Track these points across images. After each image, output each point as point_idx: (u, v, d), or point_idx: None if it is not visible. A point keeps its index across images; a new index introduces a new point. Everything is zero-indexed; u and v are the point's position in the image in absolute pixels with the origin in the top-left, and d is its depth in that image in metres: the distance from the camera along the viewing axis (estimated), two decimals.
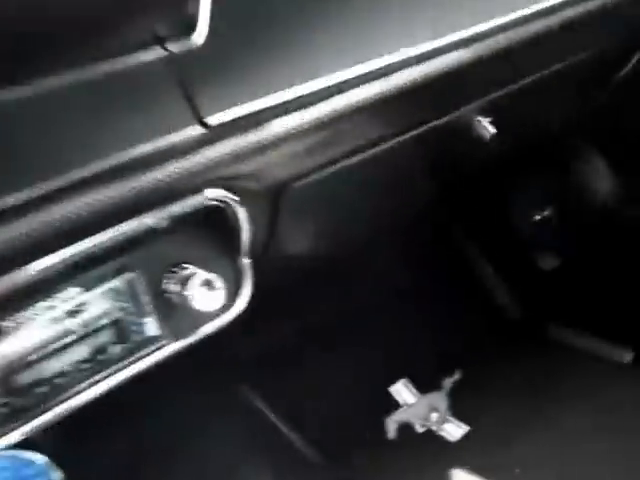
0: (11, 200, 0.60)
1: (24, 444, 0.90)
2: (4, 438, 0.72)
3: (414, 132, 0.94)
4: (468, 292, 1.80)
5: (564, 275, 1.72)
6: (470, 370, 1.59)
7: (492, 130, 1.01)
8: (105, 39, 0.66)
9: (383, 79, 0.80)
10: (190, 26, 0.71)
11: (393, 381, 1.60)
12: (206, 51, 0.71)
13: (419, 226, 1.72)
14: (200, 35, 0.72)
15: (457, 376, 1.59)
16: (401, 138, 0.92)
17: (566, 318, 1.68)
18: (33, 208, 0.62)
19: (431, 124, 0.95)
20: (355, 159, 0.88)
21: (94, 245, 0.70)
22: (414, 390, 1.60)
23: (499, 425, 1.44)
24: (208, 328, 0.82)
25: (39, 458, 0.92)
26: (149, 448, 1.37)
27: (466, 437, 1.45)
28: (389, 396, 1.59)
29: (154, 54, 0.69)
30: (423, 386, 1.58)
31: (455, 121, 0.98)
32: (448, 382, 1.58)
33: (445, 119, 0.96)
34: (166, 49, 0.70)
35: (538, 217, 1.70)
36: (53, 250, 0.68)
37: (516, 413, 1.45)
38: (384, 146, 0.90)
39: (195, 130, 0.70)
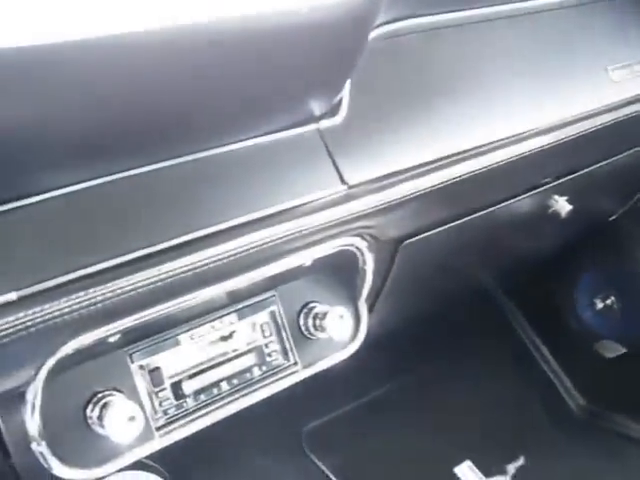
0: (194, 235, 0.77)
1: (143, 466, 1.03)
2: (170, 436, 0.86)
3: (502, 204, 1.11)
4: (531, 378, 1.84)
5: (628, 364, 1.73)
6: (533, 456, 1.62)
7: (568, 207, 1.18)
8: (275, 119, 0.86)
9: (484, 155, 0.99)
10: (335, 108, 0.91)
11: (458, 462, 1.62)
12: (347, 127, 0.90)
13: (486, 307, 1.82)
14: (342, 115, 0.91)
15: (521, 461, 1.63)
16: (491, 209, 1.09)
17: (630, 408, 1.70)
18: (210, 243, 0.78)
19: (517, 198, 1.12)
20: (456, 223, 1.06)
21: (252, 280, 0.86)
22: (479, 473, 1.63)
23: None
24: (333, 359, 0.97)
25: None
26: None
27: None
28: (454, 476, 1.61)
29: (308, 129, 0.89)
30: (487, 469, 1.61)
31: (535, 197, 1.16)
32: (512, 467, 1.62)
33: (527, 195, 1.14)
34: (317, 126, 0.90)
35: (601, 304, 1.72)
36: (220, 281, 0.84)
37: None
38: (478, 214, 1.08)
39: (338, 188, 0.88)
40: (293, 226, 0.83)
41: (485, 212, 1.07)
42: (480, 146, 0.97)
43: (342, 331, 0.94)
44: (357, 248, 0.92)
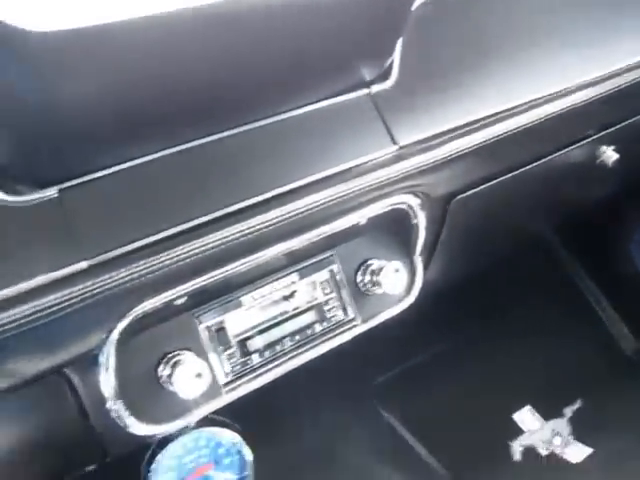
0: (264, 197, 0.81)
1: (219, 422, 1.08)
2: (237, 392, 0.91)
3: (550, 157, 1.12)
4: (587, 324, 1.86)
5: None
6: (590, 399, 1.65)
7: (615, 156, 1.17)
8: (327, 85, 0.88)
9: (531, 110, 0.99)
10: (386, 72, 0.93)
11: (518, 408, 1.67)
12: (397, 90, 0.92)
13: (539, 258, 1.84)
14: (393, 79, 0.93)
15: (578, 404, 1.66)
16: (540, 162, 1.10)
17: None
18: (269, 206, 0.82)
19: (563, 151, 1.13)
20: (506, 177, 1.07)
21: (310, 240, 0.89)
22: (538, 416, 1.67)
23: (620, 448, 1.50)
24: (389, 313, 1.01)
25: (233, 435, 1.07)
26: (307, 447, 1.53)
27: (589, 458, 1.52)
28: (513, 422, 1.65)
29: (360, 94, 0.91)
30: (545, 413, 1.65)
31: (582, 149, 1.16)
32: (569, 410, 1.65)
33: (574, 147, 1.14)
34: (369, 90, 0.91)
35: None
36: (280, 242, 0.87)
37: (635, 437, 1.50)
38: (527, 168, 1.09)
39: (390, 149, 0.90)
40: (348, 187, 0.86)
41: (535, 165, 1.08)
42: (529, 102, 0.97)
43: (397, 285, 0.97)
44: (409, 206, 0.94)
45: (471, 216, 1.06)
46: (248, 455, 1.06)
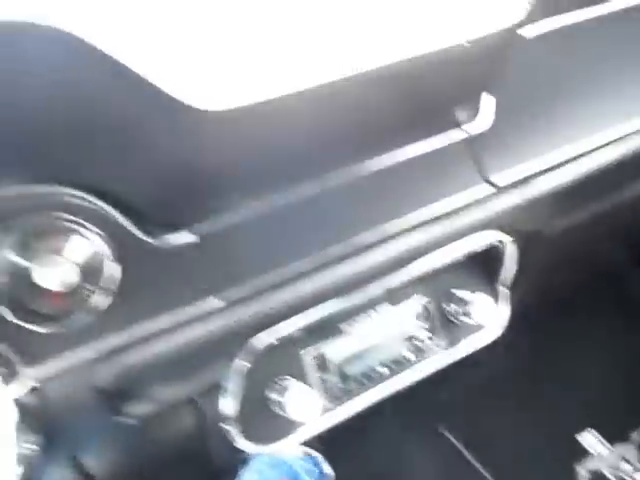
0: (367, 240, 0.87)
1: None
2: (336, 415, 0.97)
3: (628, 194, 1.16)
4: None
5: None
6: None
7: None
8: (427, 127, 0.93)
9: (613, 148, 1.03)
10: (476, 112, 0.97)
11: (581, 429, 1.66)
12: (491, 129, 0.97)
13: (615, 285, 1.85)
14: (488, 120, 0.97)
15: None
16: (629, 196, 1.13)
17: None
18: (378, 244, 0.87)
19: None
20: (589, 213, 1.11)
21: (408, 275, 0.95)
22: (603, 440, 1.65)
23: None
24: (477, 343, 1.05)
25: (314, 453, 1.12)
26: (373, 470, 1.57)
27: None
28: (577, 443, 1.65)
29: (456, 135, 0.96)
30: (611, 437, 1.64)
31: None
32: (637, 435, 1.64)
33: None
34: (464, 130, 0.96)
35: None
36: (380, 278, 0.93)
37: None
38: (615, 202, 1.12)
39: (484, 189, 0.95)
40: (444, 227, 0.91)
41: (622, 200, 1.11)
42: (619, 138, 1.02)
43: (486, 316, 1.02)
44: (499, 241, 0.99)
45: (556, 248, 1.10)
46: (329, 472, 1.11)
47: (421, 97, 0.83)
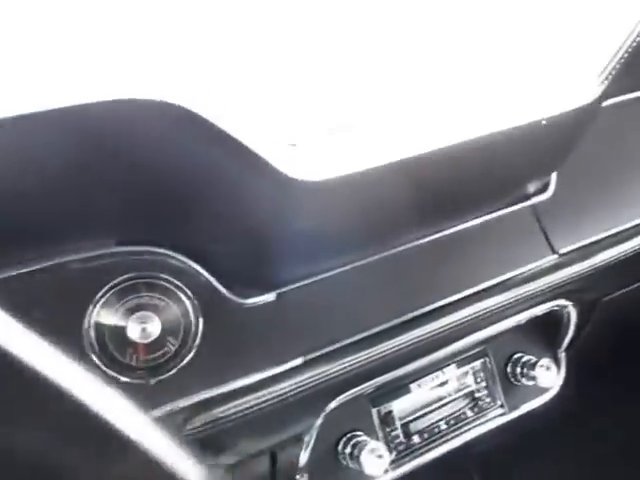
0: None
1: None
2: (400, 469, 1.01)
3: None
4: None
5: None
6: None
7: None
8: (496, 202, 0.98)
9: None
10: (546, 184, 1.02)
11: None
12: (556, 200, 1.01)
13: None
14: (551, 189, 1.02)
15: None
16: None
17: None
18: (446, 312, 0.92)
19: None
20: None
21: (474, 338, 1.00)
22: None
23: None
24: (535, 403, 1.09)
25: None
26: None
27: None
28: None
29: (522, 206, 1.01)
30: None
31: None
32: None
33: None
34: (530, 202, 1.01)
35: None
36: (446, 346, 0.98)
37: None
38: None
39: (550, 257, 0.99)
40: (510, 295, 0.95)
41: None
42: None
43: (547, 379, 1.06)
44: (561, 306, 1.03)
45: (617, 313, 1.13)
46: None
47: (498, 171, 0.88)
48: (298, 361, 0.82)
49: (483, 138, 0.79)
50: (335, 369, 0.83)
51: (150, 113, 0.62)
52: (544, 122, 0.80)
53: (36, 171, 0.62)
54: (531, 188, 0.98)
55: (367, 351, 0.84)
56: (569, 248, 1.00)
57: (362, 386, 0.89)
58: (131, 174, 0.68)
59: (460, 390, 1.05)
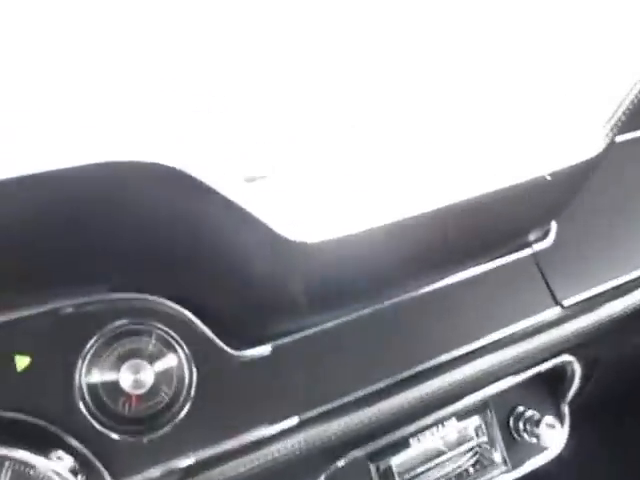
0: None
1: None
2: None
3: None
4: None
5: None
6: None
7: None
8: (495, 251, 0.96)
9: None
10: (546, 231, 1.01)
11: None
12: (557, 247, 0.99)
13: None
14: (552, 236, 1.00)
15: None
16: None
17: None
18: (444, 370, 0.89)
19: None
20: None
21: (470, 400, 0.97)
22: None
23: None
24: (539, 461, 1.06)
25: None
26: None
27: None
28: None
29: (522, 254, 0.99)
30: None
31: None
32: None
33: None
34: (530, 250, 0.99)
35: None
36: (445, 406, 0.95)
37: None
38: None
39: (553, 310, 0.96)
40: (513, 352, 0.92)
41: None
42: None
43: (549, 438, 1.02)
44: (565, 362, 1.01)
45: (621, 366, 1.11)
46: None
47: (498, 224, 0.86)
48: (294, 420, 0.79)
49: (485, 196, 0.77)
50: (331, 430, 0.80)
51: (142, 174, 0.62)
52: (548, 177, 0.79)
53: (33, 225, 0.62)
54: (531, 236, 0.97)
55: (364, 411, 0.82)
56: (573, 300, 0.97)
57: (360, 448, 0.86)
58: (126, 230, 0.67)
59: (461, 444, 1.02)
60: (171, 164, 0.62)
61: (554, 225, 1.01)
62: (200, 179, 0.63)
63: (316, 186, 0.81)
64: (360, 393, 0.82)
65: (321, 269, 0.74)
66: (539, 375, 1.03)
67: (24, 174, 0.56)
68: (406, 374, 0.86)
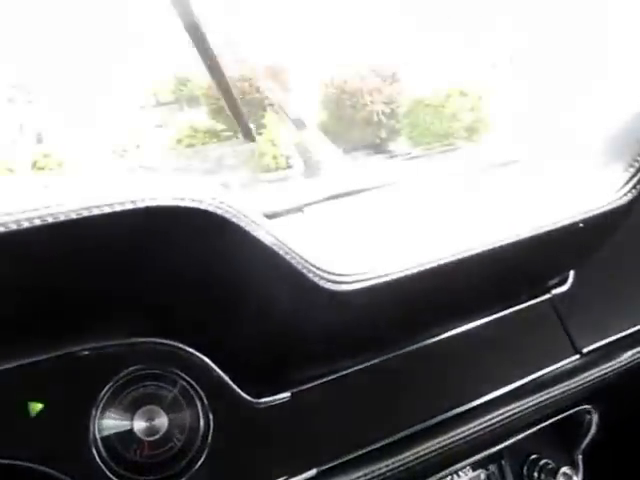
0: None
1: None
2: None
3: None
4: None
5: None
6: None
7: None
8: (515, 296, 0.95)
9: None
10: (564, 278, 1.00)
11: None
12: (575, 292, 0.98)
13: None
14: (570, 281, 0.99)
15: None
16: None
17: None
18: (463, 421, 0.87)
19: None
20: None
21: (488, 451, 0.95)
22: None
23: None
24: None
25: None
26: None
27: None
28: None
29: (540, 299, 0.97)
30: None
31: None
32: None
33: None
34: (549, 295, 0.98)
35: None
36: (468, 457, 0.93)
37: None
38: None
39: (572, 357, 0.95)
40: (531, 401, 0.90)
41: None
42: None
43: None
44: (584, 410, 0.99)
45: (637, 414, 1.09)
46: None
47: (522, 272, 0.85)
48: (311, 473, 0.77)
49: (513, 244, 0.76)
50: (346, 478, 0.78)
51: (179, 220, 0.61)
52: (581, 225, 0.78)
53: (59, 269, 0.60)
54: (550, 281, 0.95)
55: (383, 462, 0.80)
56: (592, 347, 0.96)
57: None
58: (152, 275, 0.66)
59: None
60: (209, 208, 0.60)
61: (572, 270, 0.99)
62: (236, 222, 0.62)
63: (338, 229, 0.80)
64: (379, 444, 0.80)
65: (349, 317, 0.73)
66: (557, 425, 1.01)
67: (53, 221, 0.54)
68: (425, 424, 0.84)
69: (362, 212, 1.07)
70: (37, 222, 0.54)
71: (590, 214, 0.80)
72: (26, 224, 0.53)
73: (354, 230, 0.92)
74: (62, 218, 0.55)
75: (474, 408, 0.87)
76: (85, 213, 0.55)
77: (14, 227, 0.53)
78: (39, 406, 0.70)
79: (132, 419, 0.74)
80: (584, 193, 0.83)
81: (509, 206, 0.86)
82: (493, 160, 1.29)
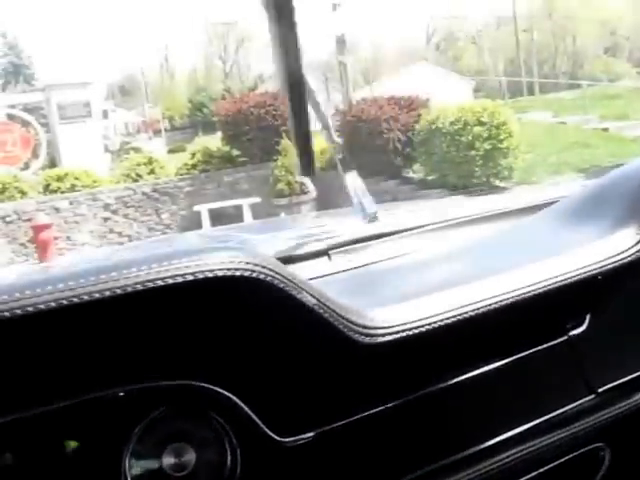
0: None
1: None
2: None
3: None
4: None
5: None
6: None
7: None
8: (531, 339, 0.97)
9: None
10: (581, 320, 1.02)
11: None
12: (591, 332, 0.99)
13: None
14: (586, 321, 1.01)
15: None
16: None
17: None
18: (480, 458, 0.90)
19: None
20: None
21: None
22: None
23: None
24: None
25: None
26: None
27: None
28: None
29: (557, 341, 0.99)
30: None
31: None
32: None
33: None
34: (565, 336, 1.00)
35: None
36: None
37: None
38: None
39: (587, 397, 0.97)
40: (546, 439, 0.92)
41: None
42: None
43: None
44: (598, 448, 1.01)
45: None
46: None
47: (541, 316, 0.88)
48: None
49: (538, 292, 0.79)
50: None
51: (231, 287, 0.67)
52: (599, 277, 0.81)
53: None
54: (569, 323, 0.98)
55: None
56: (608, 386, 0.97)
57: None
58: (201, 334, 0.71)
59: None
60: (260, 276, 0.67)
61: (587, 318, 1.02)
62: (283, 287, 0.68)
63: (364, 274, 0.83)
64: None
65: (379, 365, 0.77)
66: (566, 460, 1.02)
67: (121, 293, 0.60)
68: (444, 462, 0.86)
69: (387, 256, 1.09)
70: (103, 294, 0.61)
71: (608, 267, 0.82)
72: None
73: (380, 275, 0.95)
74: (130, 290, 0.62)
75: (489, 447, 0.89)
76: (150, 285, 0.63)
77: (86, 298, 0.62)
78: (73, 447, 0.72)
79: (161, 456, 0.76)
80: (604, 244, 0.86)
81: (535, 253, 0.88)
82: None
